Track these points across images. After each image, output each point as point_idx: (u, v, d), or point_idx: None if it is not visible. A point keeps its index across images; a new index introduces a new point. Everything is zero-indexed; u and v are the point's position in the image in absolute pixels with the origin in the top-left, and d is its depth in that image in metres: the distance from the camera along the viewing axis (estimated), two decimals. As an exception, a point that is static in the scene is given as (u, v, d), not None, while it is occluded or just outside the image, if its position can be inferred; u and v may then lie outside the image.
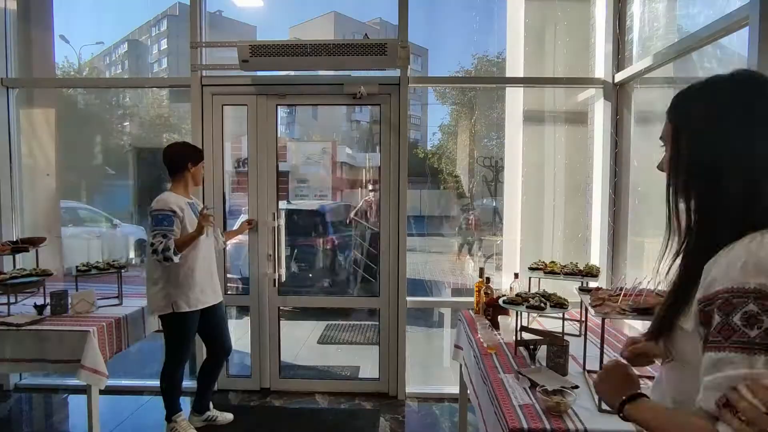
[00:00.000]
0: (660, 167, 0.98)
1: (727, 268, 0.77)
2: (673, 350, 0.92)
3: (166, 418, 2.73)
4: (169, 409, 2.73)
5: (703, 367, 0.78)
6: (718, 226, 0.84)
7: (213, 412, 2.95)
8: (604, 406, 1.41)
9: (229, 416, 2.98)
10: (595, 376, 1.13)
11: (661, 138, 0.97)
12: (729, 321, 0.74)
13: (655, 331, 0.93)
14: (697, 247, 0.87)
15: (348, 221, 5.76)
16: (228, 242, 3.14)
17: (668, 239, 0.93)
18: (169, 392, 2.71)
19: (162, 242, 2.44)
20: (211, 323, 2.78)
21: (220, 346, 2.86)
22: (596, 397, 1.53)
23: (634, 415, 0.91)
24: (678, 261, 0.92)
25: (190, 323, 2.66)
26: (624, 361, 1.07)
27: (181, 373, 2.73)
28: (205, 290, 2.68)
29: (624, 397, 0.93)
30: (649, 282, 1.78)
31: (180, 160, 2.64)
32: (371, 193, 5.53)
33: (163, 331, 2.71)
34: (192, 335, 2.72)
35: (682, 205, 0.91)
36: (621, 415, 0.94)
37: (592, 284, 2.31)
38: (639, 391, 0.94)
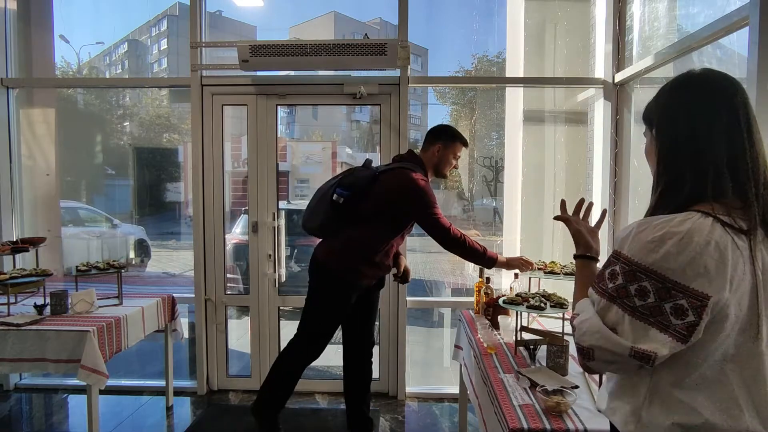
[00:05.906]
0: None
1: (619, 234, 0.99)
2: None
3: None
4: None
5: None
6: (660, 207, 0.99)
7: None
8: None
9: None
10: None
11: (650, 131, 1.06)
12: (603, 272, 0.98)
13: None
14: None
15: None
16: (230, 242, 3.13)
17: None
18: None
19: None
20: None
21: None
22: (595, 396, 1.53)
23: (582, 270, 1.25)
24: None
25: None
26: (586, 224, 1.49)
27: None
28: None
29: (588, 253, 1.30)
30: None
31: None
32: None
33: None
34: None
35: None
36: (580, 260, 1.29)
37: (592, 284, 2.30)
38: (594, 255, 1.30)
